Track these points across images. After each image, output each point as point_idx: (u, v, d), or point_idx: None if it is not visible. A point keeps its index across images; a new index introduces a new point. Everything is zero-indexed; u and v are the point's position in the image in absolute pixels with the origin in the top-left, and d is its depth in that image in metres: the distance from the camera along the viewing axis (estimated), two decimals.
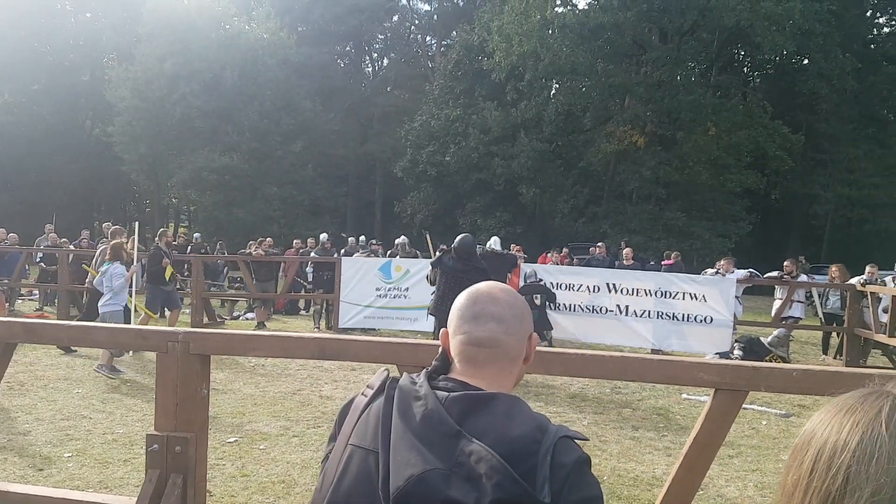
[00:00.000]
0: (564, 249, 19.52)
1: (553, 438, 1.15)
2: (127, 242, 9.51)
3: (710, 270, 12.75)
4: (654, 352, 10.48)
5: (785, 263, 12.07)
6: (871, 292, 10.63)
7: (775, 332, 10.83)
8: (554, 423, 1.21)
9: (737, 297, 11.59)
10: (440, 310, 8.32)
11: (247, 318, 14.50)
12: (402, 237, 15.70)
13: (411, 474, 1.12)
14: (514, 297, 1.38)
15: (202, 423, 2.74)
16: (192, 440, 2.66)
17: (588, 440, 1.23)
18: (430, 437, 1.15)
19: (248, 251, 14.62)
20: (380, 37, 45.07)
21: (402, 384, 1.26)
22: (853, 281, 11.45)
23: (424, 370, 1.31)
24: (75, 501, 2.88)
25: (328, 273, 13.08)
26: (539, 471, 1.11)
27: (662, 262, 16.68)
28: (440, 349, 1.38)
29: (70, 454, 5.50)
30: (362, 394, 1.34)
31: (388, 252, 16.56)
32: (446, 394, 1.22)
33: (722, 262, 12.37)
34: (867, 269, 11.47)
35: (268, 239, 15.42)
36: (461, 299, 1.37)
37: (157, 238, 11.24)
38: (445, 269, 8.55)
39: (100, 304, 8.69)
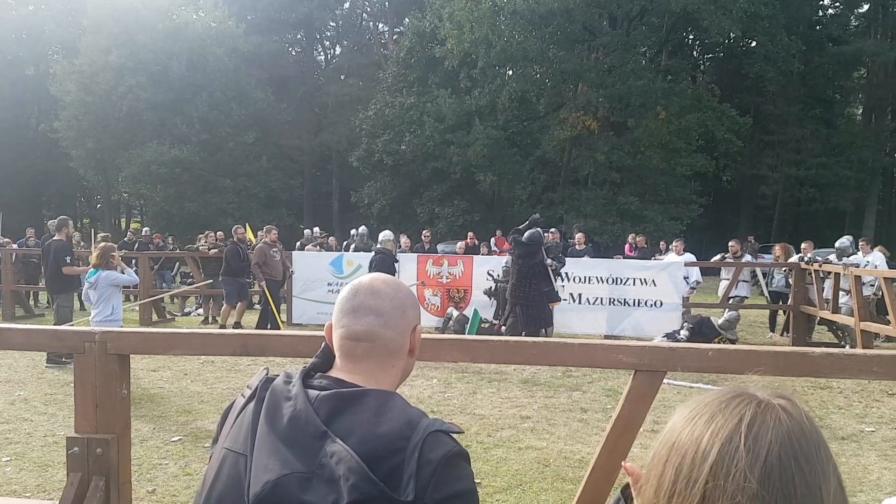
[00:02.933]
0: (498, 231, 20.13)
1: (422, 434, 1.13)
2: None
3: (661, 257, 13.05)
4: (606, 338, 10.62)
5: (730, 244, 12.35)
6: (814, 270, 10.89)
7: (726, 315, 11.05)
8: (429, 418, 1.19)
9: (685, 277, 11.82)
10: (517, 296, 9.41)
11: (198, 314, 14.29)
12: (363, 227, 15.60)
13: (268, 480, 1.11)
14: (397, 289, 1.35)
15: (123, 424, 2.69)
16: (113, 442, 2.61)
17: (463, 433, 1.22)
18: (295, 438, 1.14)
19: (196, 245, 14.41)
20: (331, 24, 44.57)
21: (276, 384, 1.24)
22: (794, 259, 11.74)
23: (302, 368, 1.29)
24: None
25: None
26: (405, 468, 1.10)
27: (626, 251, 16.89)
28: (323, 344, 1.36)
29: (9, 458, 5.38)
30: (242, 394, 1.32)
31: (345, 242, 16.47)
32: (318, 392, 1.20)
33: (675, 244, 12.67)
34: (802, 246, 11.85)
35: (218, 233, 15.18)
36: (343, 292, 1.35)
37: (233, 233, 12.26)
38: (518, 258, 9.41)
39: (94, 319, 7.40)
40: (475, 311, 11.34)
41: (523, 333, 9.11)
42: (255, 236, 12.78)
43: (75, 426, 2.67)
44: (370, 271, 10.19)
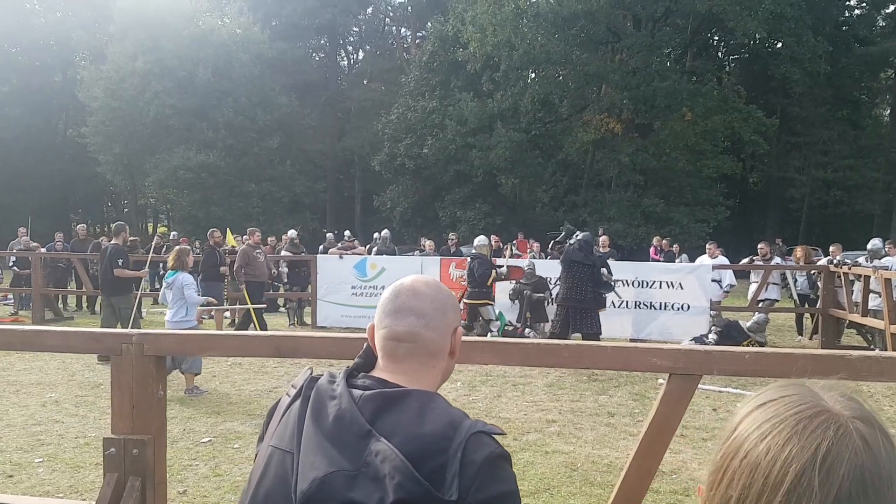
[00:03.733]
0: (520, 234, 20.16)
1: (465, 434, 1.14)
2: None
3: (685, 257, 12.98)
4: (632, 342, 10.56)
5: (759, 246, 12.25)
6: (843, 273, 10.75)
7: (755, 318, 10.93)
8: (471, 419, 1.19)
9: (718, 280, 11.73)
10: (571, 298, 9.58)
11: (225, 317, 14.39)
12: (385, 231, 15.69)
13: (314, 477, 1.12)
14: (438, 291, 1.36)
15: (160, 425, 2.71)
16: (149, 442, 2.64)
17: (505, 434, 1.23)
18: (341, 437, 1.15)
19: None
20: (354, 29, 44.82)
21: (320, 384, 1.25)
22: (823, 262, 11.60)
23: (346, 368, 1.30)
24: None
25: (304, 269, 13.05)
26: (448, 468, 1.10)
27: (651, 254, 16.82)
28: (365, 344, 1.37)
29: (41, 459, 5.45)
30: (287, 394, 1.33)
31: (367, 246, 16.56)
32: (362, 392, 1.21)
33: (708, 247, 12.64)
34: (830, 249, 11.71)
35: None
36: (385, 293, 1.37)
37: (208, 237, 12.02)
38: (570, 259, 9.64)
39: (169, 319, 7.70)
40: (500, 313, 11.34)
41: (580, 336, 9.36)
42: (242, 241, 12.76)
43: (112, 427, 2.69)
44: (470, 276, 10.53)
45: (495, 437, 1.19)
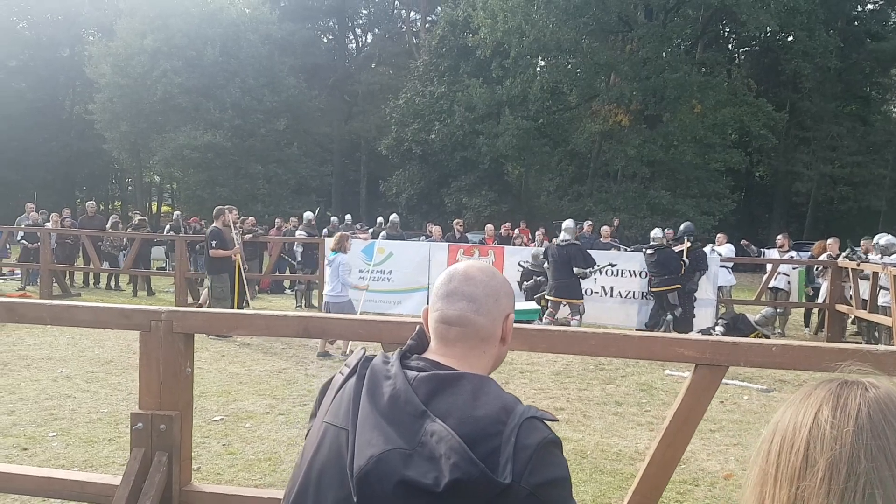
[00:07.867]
0: (522, 223, 20.11)
1: (518, 419, 1.15)
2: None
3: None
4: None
5: (778, 238, 12.50)
6: (851, 269, 10.74)
7: (762, 311, 10.96)
8: (523, 404, 1.21)
9: (725, 266, 11.82)
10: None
11: None
12: (394, 215, 15.68)
13: (371, 454, 1.13)
14: (492, 276, 1.38)
15: (187, 402, 2.75)
16: (176, 418, 2.67)
17: (557, 420, 1.24)
18: (396, 416, 1.16)
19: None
20: (363, 12, 44.60)
21: (375, 364, 1.27)
22: (823, 258, 11.69)
23: (399, 349, 1.32)
24: (60, 480, 2.88)
25: (315, 251, 13.09)
26: (502, 452, 1.12)
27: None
28: (418, 326, 1.39)
29: (55, 434, 5.49)
30: (340, 372, 1.35)
31: (371, 230, 16.59)
32: (416, 373, 1.23)
33: (718, 236, 12.88)
34: (828, 242, 11.81)
35: (250, 218, 15.31)
36: (440, 277, 1.39)
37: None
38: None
39: (327, 293, 8.82)
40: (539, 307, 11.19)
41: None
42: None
43: (139, 402, 2.72)
44: (659, 265, 10.82)
45: (547, 422, 1.21)
